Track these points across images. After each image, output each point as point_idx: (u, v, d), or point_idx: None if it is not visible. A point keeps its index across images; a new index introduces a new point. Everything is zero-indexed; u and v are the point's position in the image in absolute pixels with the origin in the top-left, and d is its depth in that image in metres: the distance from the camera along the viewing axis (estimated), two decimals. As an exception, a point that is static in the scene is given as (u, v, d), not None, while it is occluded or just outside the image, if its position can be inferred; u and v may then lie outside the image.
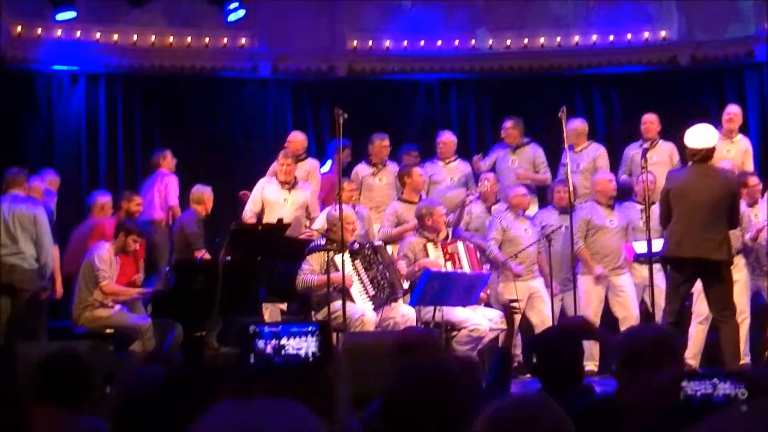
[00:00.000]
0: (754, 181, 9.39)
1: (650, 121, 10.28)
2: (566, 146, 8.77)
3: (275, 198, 9.58)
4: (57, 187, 9.91)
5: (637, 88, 11.93)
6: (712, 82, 11.97)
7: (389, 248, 8.95)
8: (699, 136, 7.80)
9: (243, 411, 1.35)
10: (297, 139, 10.41)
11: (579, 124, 10.42)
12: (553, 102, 9.78)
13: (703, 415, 1.74)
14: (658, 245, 8.16)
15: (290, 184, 9.63)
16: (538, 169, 10.40)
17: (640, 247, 8.67)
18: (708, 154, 7.79)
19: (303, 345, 1.86)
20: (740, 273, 8.67)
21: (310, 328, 1.90)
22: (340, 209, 8.17)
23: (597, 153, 10.38)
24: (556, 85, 11.95)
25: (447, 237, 9.14)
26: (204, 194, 9.68)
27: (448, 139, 10.49)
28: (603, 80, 12.18)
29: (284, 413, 1.35)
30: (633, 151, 10.22)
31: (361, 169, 10.29)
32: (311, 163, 10.46)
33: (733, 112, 10.21)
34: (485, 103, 12.17)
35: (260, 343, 1.89)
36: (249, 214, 9.64)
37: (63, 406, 3.81)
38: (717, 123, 10.01)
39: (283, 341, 1.87)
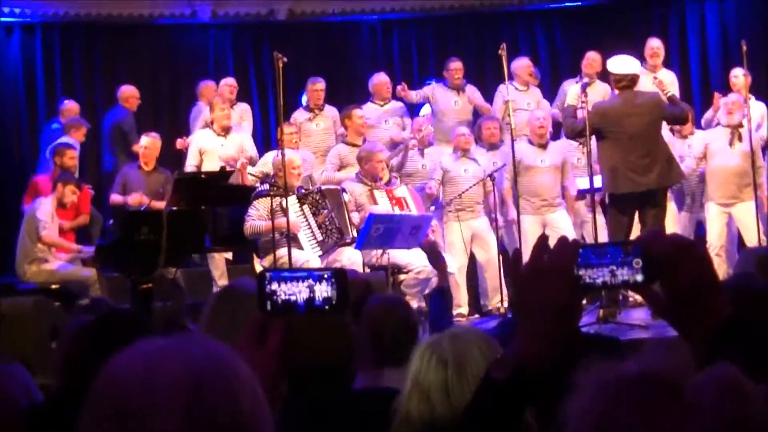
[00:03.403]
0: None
1: (593, 59, 10.23)
2: (506, 81, 8.75)
3: (212, 146, 9.55)
4: None
5: (581, 24, 11.93)
6: (655, 16, 11.98)
7: (345, 196, 8.82)
8: (624, 62, 7.95)
9: (163, 342, 1.35)
10: (233, 83, 10.48)
11: (528, 62, 10.39)
12: (495, 40, 9.73)
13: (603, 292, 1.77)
14: (599, 181, 8.24)
15: (226, 130, 9.60)
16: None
17: (582, 182, 8.69)
18: (634, 79, 7.93)
19: (294, 290, 1.80)
20: (669, 202, 8.72)
21: (324, 275, 1.82)
22: (283, 154, 8.12)
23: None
24: (498, 23, 11.91)
25: (389, 181, 9.09)
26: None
27: (383, 80, 10.33)
28: (546, 16, 12.13)
29: (206, 345, 1.36)
30: (570, 86, 10.23)
31: (299, 115, 10.18)
32: (243, 106, 10.64)
33: (655, 46, 10.20)
34: (428, 42, 12.10)
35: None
36: (189, 168, 9.57)
37: None
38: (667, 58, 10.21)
39: (274, 286, 1.80)
